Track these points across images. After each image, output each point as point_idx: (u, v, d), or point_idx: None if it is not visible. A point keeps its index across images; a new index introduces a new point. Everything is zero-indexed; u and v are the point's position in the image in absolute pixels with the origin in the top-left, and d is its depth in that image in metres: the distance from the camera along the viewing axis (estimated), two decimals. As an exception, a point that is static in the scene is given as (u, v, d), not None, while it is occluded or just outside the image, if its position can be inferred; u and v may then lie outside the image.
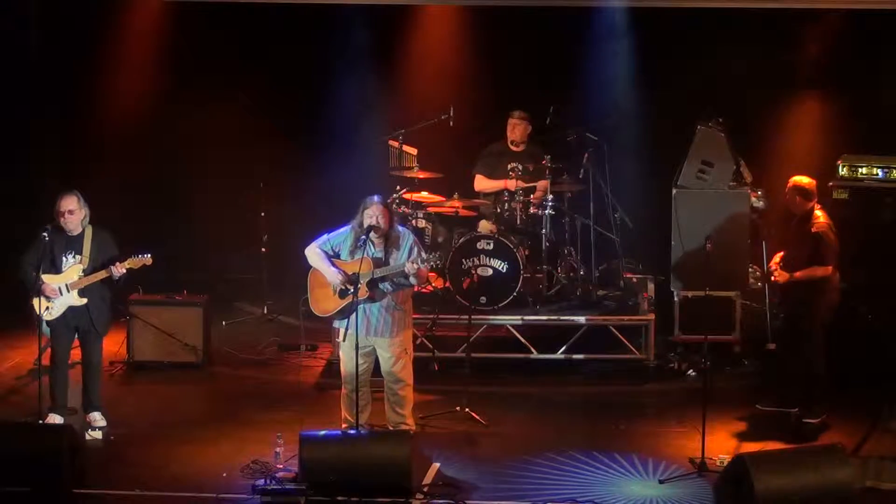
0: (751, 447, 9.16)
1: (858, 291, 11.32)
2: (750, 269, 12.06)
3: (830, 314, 10.28)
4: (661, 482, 8.97)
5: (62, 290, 9.90)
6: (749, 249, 11.94)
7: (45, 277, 9.88)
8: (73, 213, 9.91)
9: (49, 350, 10.20)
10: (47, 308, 9.90)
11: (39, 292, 9.82)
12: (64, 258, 9.92)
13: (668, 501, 8.74)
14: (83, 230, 9.98)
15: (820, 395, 10.16)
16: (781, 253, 10.44)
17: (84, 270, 9.94)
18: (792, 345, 10.40)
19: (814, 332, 10.19)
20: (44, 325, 10.04)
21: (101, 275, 9.92)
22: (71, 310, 9.97)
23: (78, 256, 9.96)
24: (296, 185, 13.74)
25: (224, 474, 9.08)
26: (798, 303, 10.29)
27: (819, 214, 10.22)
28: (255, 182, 13.33)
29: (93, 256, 9.97)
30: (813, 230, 10.13)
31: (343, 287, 9.37)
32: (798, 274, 10.10)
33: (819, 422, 10.03)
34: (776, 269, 10.26)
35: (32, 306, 10.00)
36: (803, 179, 10.34)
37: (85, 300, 9.98)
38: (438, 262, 9.59)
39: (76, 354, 10.43)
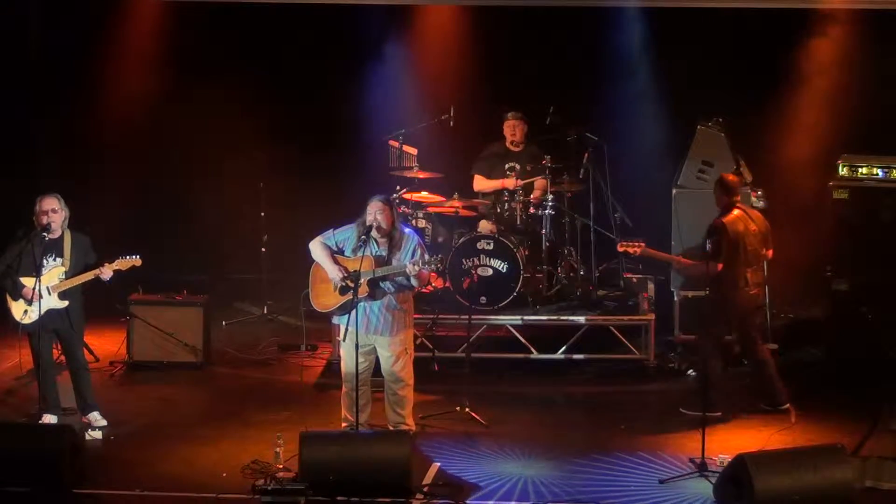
0: (751, 447, 9.14)
1: (858, 291, 11.32)
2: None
3: (741, 312, 10.32)
4: (661, 482, 8.97)
5: (42, 293, 9.86)
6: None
7: (26, 280, 9.88)
8: (57, 212, 9.90)
9: (31, 353, 10.16)
10: (25, 311, 9.88)
11: (24, 293, 9.84)
12: (45, 261, 9.90)
13: (668, 501, 8.74)
14: (62, 233, 9.97)
15: (716, 396, 10.16)
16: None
17: (65, 273, 9.93)
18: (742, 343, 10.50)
19: (709, 331, 10.29)
20: (21, 328, 10.02)
21: (88, 277, 9.91)
22: (50, 313, 9.94)
23: (59, 259, 9.94)
24: (296, 185, 13.73)
25: (224, 474, 9.08)
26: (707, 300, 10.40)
27: (734, 212, 10.28)
28: (255, 182, 13.33)
29: (73, 260, 9.96)
30: (713, 222, 10.25)
31: (343, 284, 9.37)
32: (685, 261, 10.27)
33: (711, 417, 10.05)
34: (678, 258, 10.32)
35: (10, 310, 10.00)
36: (728, 175, 10.56)
37: (66, 303, 9.97)
38: (440, 265, 9.59)
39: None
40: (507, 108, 12.29)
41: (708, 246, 9.99)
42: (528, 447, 9.69)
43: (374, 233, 9.38)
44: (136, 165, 14.00)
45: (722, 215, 10.32)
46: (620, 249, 10.62)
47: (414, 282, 9.44)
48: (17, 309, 9.95)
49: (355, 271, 9.27)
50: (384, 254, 9.44)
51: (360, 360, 9.40)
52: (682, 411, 10.32)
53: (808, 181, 12.73)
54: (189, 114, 13.53)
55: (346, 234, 9.53)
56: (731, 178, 10.55)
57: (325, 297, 9.55)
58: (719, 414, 10.18)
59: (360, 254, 9.32)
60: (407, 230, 9.65)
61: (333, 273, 9.42)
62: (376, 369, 9.70)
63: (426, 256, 9.39)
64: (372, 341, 9.52)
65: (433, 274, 11.47)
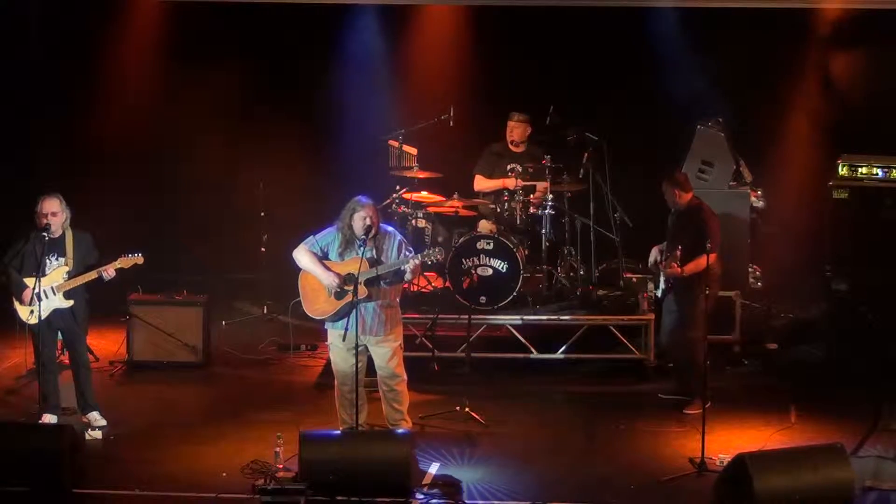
0: (751, 447, 9.14)
1: (858, 291, 11.32)
2: (750, 269, 12.08)
3: (714, 302, 10.40)
4: (661, 482, 8.97)
5: (48, 293, 9.87)
6: (749, 249, 11.95)
7: (29, 280, 9.88)
8: (56, 214, 9.90)
9: (34, 352, 10.18)
10: (31, 311, 9.88)
11: (24, 295, 9.85)
12: (47, 261, 9.89)
13: (668, 501, 8.73)
14: (64, 232, 9.97)
15: (702, 385, 10.23)
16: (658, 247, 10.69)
17: (69, 272, 9.93)
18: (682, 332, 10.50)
19: (697, 322, 10.28)
20: (28, 328, 10.06)
21: (91, 276, 9.92)
22: (55, 312, 9.95)
23: (62, 259, 9.94)
24: (295, 185, 13.74)
25: (224, 474, 9.08)
26: (686, 291, 10.34)
27: (703, 204, 10.50)
28: (254, 182, 13.33)
29: (76, 259, 9.96)
30: (702, 213, 10.39)
31: (339, 289, 9.36)
32: (688, 268, 10.25)
33: (700, 412, 10.07)
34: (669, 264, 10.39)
35: (16, 309, 10.01)
36: (678, 174, 10.68)
37: (71, 302, 9.97)
38: (439, 256, 9.57)
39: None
40: (512, 109, 12.26)
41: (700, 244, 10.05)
42: (528, 447, 9.70)
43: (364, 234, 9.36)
44: (136, 165, 14.00)
45: (699, 208, 10.41)
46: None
47: (409, 276, 9.43)
48: (23, 309, 9.96)
49: (350, 274, 9.27)
50: (372, 254, 9.42)
51: (356, 361, 9.39)
52: (685, 412, 10.30)
53: (808, 181, 12.74)
54: (189, 113, 13.54)
55: (328, 239, 9.51)
56: (681, 175, 10.72)
57: (319, 304, 9.50)
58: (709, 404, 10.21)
59: (348, 257, 9.34)
60: (386, 227, 9.64)
61: (327, 279, 9.39)
62: (369, 369, 9.69)
63: (411, 249, 9.43)
64: (365, 341, 9.49)
65: (433, 273, 11.52)
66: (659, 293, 10.71)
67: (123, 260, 9.96)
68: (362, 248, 9.28)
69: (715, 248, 10.13)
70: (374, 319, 9.48)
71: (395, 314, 9.61)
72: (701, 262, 10.10)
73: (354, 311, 9.22)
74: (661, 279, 10.59)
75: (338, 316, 9.44)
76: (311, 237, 9.55)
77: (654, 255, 10.75)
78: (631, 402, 10.83)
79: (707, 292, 9.77)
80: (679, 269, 10.25)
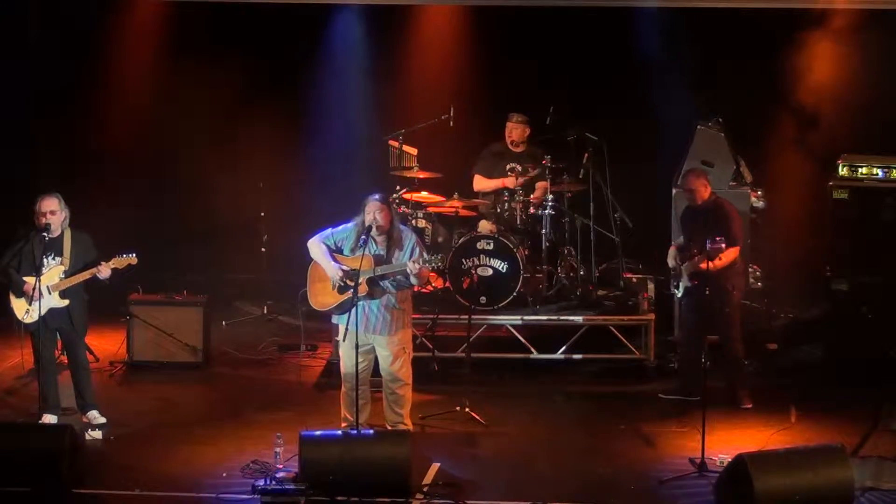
0: (751, 447, 9.14)
1: (858, 291, 11.32)
2: (750, 269, 12.07)
3: (742, 296, 10.64)
4: (661, 482, 8.97)
5: (42, 292, 9.86)
6: (749, 249, 11.94)
7: (26, 279, 9.87)
8: (55, 213, 9.90)
9: (32, 352, 10.17)
10: (27, 310, 9.88)
11: (24, 293, 9.84)
12: (44, 260, 9.89)
13: (668, 501, 8.73)
14: (62, 232, 9.97)
15: (745, 379, 10.51)
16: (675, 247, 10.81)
17: (65, 272, 9.93)
18: (700, 332, 10.41)
19: (734, 318, 10.39)
20: (23, 328, 10.04)
21: (85, 276, 9.91)
22: (51, 312, 9.94)
23: (58, 258, 9.94)
24: (295, 184, 13.74)
25: (224, 474, 9.08)
26: (716, 288, 10.27)
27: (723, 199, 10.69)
28: (254, 182, 13.33)
29: (73, 258, 9.95)
30: (724, 207, 10.53)
31: (342, 283, 9.38)
32: (718, 263, 10.18)
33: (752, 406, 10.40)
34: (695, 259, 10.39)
35: (13, 309, 10.00)
36: (698, 168, 10.92)
37: (67, 302, 9.96)
38: (440, 263, 9.58)
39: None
40: (512, 110, 12.26)
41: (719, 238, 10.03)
42: (528, 447, 9.70)
43: (373, 232, 9.39)
44: (136, 165, 14.00)
45: (721, 203, 10.53)
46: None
47: (413, 280, 9.45)
48: (20, 308, 9.95)
49: (354, 270, 9.28)
50: (383, 252, 9.46)
51: (360, 359, 9.41)
52: (744, 407, 10.42)
53: (808, 181, 12.73)
54: (189, 113, 13.53)
55: (344, 234, 9.55)
56: (701, 170, 10.95)
57: (323, 296, 9.56)
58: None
59: (358, 253, 9.34)
60: (404, 228, 9.67)
61: (332, 272, 9.44)
62: (375, 369, 9.71)
63: (425, 255, 9.41)
64: (370, 340, 9.52)
65: (433, 274, 11.51)
66: (679, 292, 10.71)
67: (117, 260, 9.96)
68: (363, 246, 9.30)
69: (738, 242, 10.19)
70: (378, 318, 9.49)
71: (402, 317, 9.61)
72: (729, 255, 10.12)
73: (355, 308, 9.23)
74: (684, 278, 10.58)
75: (340, 310, 9.47)
76: (329, 229, 9.60)
77: (672, 254, 10.76)
78: (631, 402, 10.84)
79: (734, 290, 10.07)
80: (708, 263, 10.25)
